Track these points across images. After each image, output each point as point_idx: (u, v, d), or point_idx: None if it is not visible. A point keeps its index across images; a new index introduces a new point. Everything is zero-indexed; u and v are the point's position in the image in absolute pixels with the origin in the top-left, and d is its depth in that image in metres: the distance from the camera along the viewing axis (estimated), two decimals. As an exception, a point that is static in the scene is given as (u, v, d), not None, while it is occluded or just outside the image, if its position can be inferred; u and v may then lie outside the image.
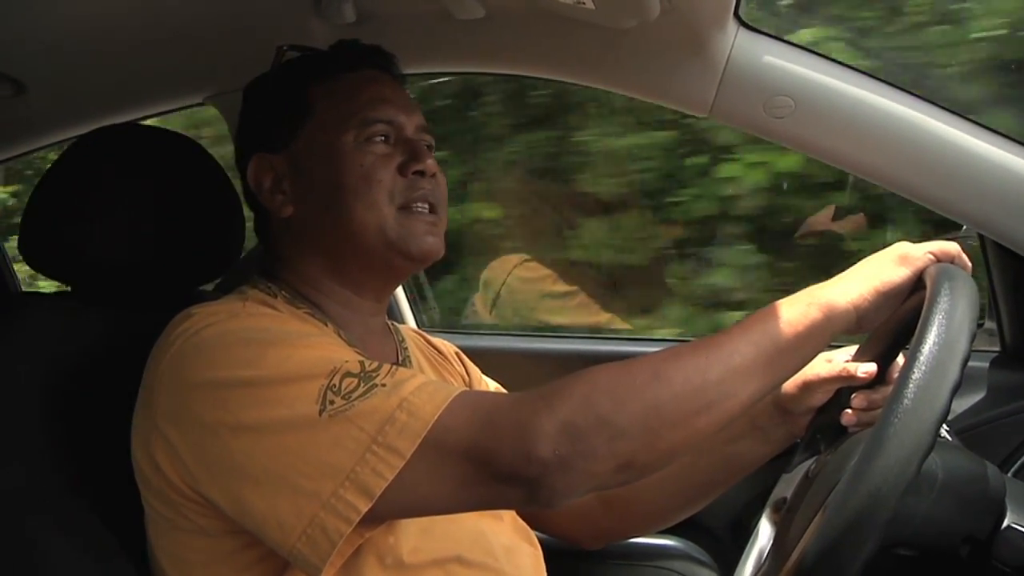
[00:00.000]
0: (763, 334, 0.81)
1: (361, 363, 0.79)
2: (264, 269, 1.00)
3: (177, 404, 0.81)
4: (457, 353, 1.18)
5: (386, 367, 0.80)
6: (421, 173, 0.95)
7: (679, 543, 1.43)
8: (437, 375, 1.10)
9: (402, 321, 1.81)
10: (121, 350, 0.97)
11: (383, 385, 0.77)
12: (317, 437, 0.75)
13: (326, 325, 0.94)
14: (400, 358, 1.02)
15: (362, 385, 0.77)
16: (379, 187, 0.93)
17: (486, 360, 1.22)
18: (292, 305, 0.95)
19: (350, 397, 0.76)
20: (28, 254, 1.02)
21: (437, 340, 1.17)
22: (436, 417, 0.75)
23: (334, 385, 0.77)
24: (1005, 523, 0.76)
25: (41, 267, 1.02)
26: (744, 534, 1.04)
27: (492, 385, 1.18)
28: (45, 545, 0.89)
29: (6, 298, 1.64)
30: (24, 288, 2.11)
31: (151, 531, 0.89)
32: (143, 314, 1.00)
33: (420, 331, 1.20)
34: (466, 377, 1.15)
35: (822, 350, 0.86)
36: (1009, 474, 1.21)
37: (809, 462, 0.96)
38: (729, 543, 1.43)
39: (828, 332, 0.83)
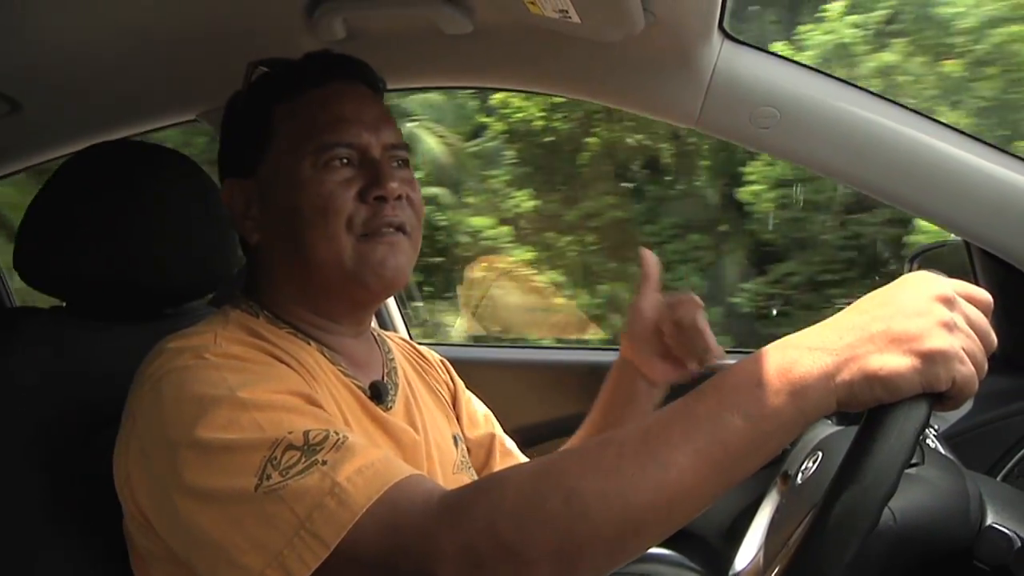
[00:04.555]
0: (708, 435, 0.64)
1: (306, 434, 0.74)
2: (247, 288, 0.98)
3: (141, 453, 0.80)
4: (442, 362, 1.17)
5: (333, 437, 0.74)
6: (383, 199, 0.91)
7: (670, 552, 1.43)
8: (423, 382, 1.10)
9: (393, 330, 1.82)
10: (114, 365, 0.97)
11: (323, 462, 0.72)
12: (252, 512, 0.72)
13: (309, 344, 0.93)
14: (387, 369, 1.02)
15: (303, 460, 0.72)
16: (336, 217, 0.89)
17: (468, 372, 1.21)
18: (275, 325, 0.93)
19: (287, 473, 0.72)
20: (23, 269, 1.03)
21: (423, 348, 1.17)
22: (359, 514, 0.69)
23: (275, 458, 0.73)
24: (987, 522, 0.77)
25: (35, 282, 1.03)
26: (736, 542, 1.05)
27: (475, 401, 1.17)
28: (37, 560, 0.90)
29: (0, 313, 1.65)
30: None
31: (132, 556, 0.88)
32: (137, 329, 1.00)
33: (407, 340, 1.20)
34: (451, 385, 1.15)
35: (791, 440, 0.67)
36: (998, 478, 1.22)
37: (819, 437, 0.95)
38: (721, 551, 1.43)
39: (800, 424, 0.65)
